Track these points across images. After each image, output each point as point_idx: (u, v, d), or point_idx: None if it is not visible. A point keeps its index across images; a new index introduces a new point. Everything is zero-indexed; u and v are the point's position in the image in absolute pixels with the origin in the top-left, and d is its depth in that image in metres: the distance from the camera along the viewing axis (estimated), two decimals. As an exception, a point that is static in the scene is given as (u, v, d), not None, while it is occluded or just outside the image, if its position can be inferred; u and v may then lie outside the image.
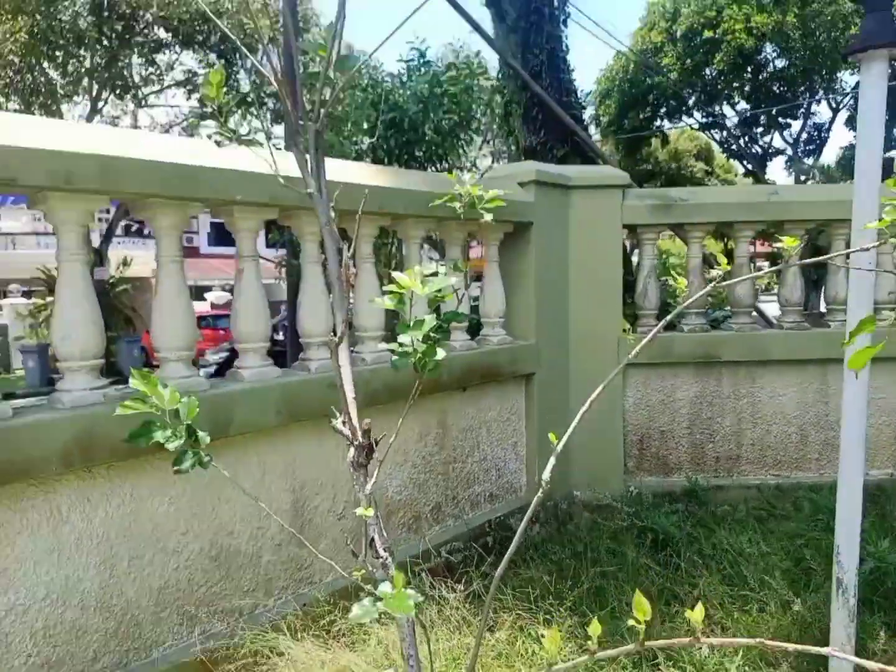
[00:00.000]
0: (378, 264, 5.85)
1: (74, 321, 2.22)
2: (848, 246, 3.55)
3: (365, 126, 5.44)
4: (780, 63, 20.21)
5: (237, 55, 15.41)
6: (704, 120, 22.73)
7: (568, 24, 7.18)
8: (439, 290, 1.57)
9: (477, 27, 7.11)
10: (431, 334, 1.61)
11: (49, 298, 18.40)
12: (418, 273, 1.53)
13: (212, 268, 26.47)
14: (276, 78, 1.57)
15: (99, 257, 17.79)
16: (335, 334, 1.59)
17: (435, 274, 1.77)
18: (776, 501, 3.79)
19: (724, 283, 1.42)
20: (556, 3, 6.88)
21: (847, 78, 21.04)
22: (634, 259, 5.99)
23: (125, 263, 19.43)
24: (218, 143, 1.56)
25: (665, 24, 20.69)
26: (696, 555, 3.10)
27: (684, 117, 23.23)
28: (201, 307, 24.26)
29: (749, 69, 20.03)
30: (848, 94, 21.17)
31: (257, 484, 2.68)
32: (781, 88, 20.55)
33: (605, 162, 7.12)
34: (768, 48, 19.88)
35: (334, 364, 1.61)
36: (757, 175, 21.95)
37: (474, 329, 4.21)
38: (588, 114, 24.48)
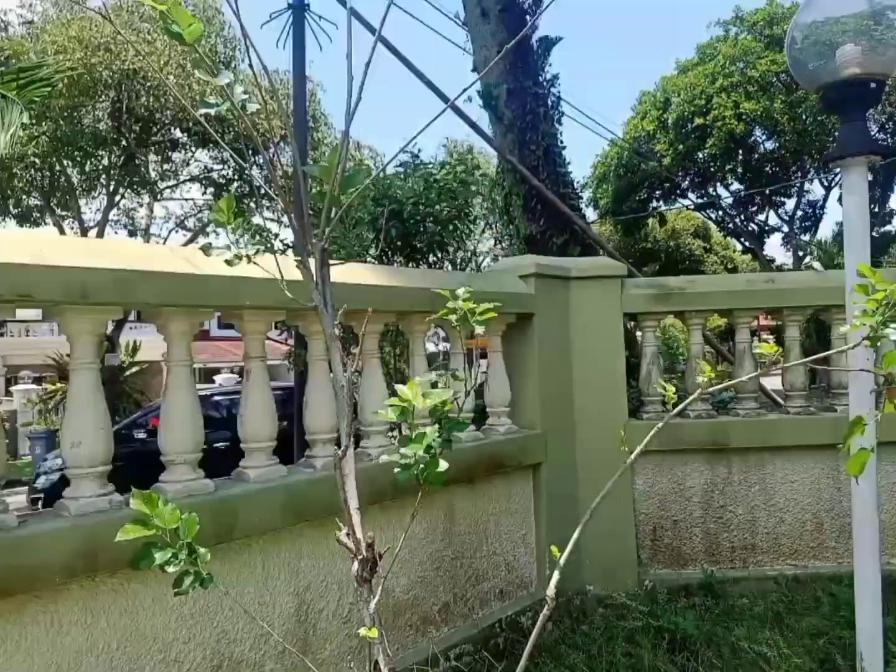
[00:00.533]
0: (384, 347, 5.94)
1: (84, 429, 2.26)
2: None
3: (367, 218, 5.67)
4: (770, 145, 21.05)
5: (250, 150, 16.18)
6: (699, 200, 23.43)
7: (562, 122, 7.55)
8: (442, 402, 1.62)
9: (475, 127, 7.51)
10: (433, 444, 1.65)
11: (59, 384, 18.57)
12: (419, 385, 1.58)
13: (221, 350, 26.79)
14: (284, 203, 1.67)
15: (111, 344, 18.08)
16: (338, 443, 1.62)
17: (435, 384, 1.82)
18: (795, 594, 3.67)
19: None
20: (550, 104, 7.27)
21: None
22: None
23: (134, 349, 19.70)
24: (229, 263, 1.64)
25: (656, 113, 21.71)
26: (715, 657, 2.97)
27: (679, 198, 23.96)
28: (210, 389, 24.35)
29: (740, 152, 20.83)
30: (839, 172, 21.84)
31: (261, 588, 2.63)
32: (774, 169, 21.29)
33: (604, 248, 7.33)
34: (758, 132, 20.76)
35: (339, 478, 1.64)
36: (755, 252, 22.40)
37: (479, 416, 4.22)
38: (586, 196, 25.38)
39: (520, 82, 7.16)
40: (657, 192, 23.78)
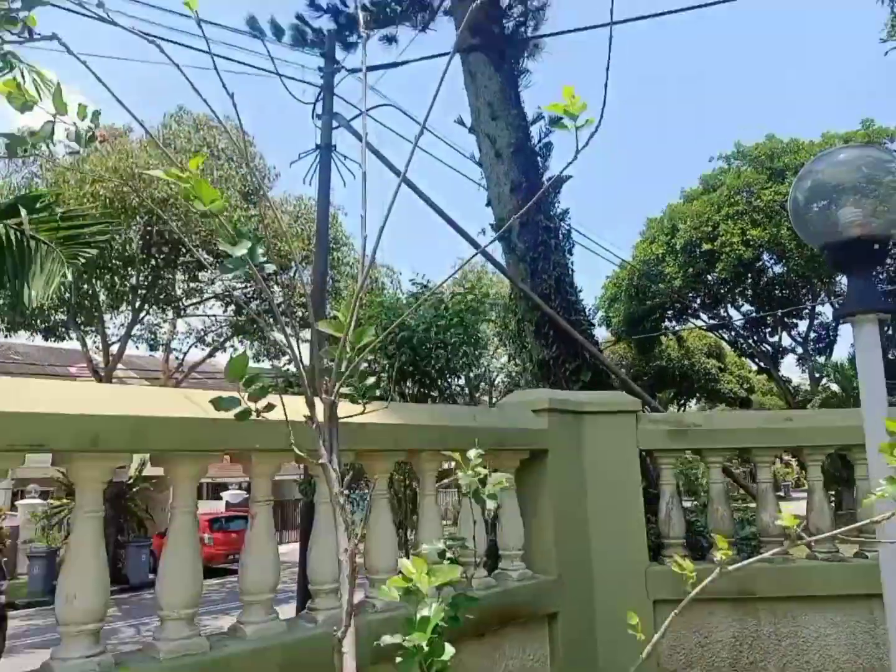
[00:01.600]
0: (391, 488, 5.83)
1: (84, 582, 2.18)
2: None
3: (378, 346, 5.80)
4: (778, 269, 21.58)
5: (273, 273, 16.82)
6: (711, 321, 23.72)
7: (573, 252, 7.84)
8: (448, 580, 1.54)
9: (489, 257, 7.81)
10: (439, 625, 1.55)
11: (65, 500, 18.26)
12: (424, 564, 1.51)
13: (230, 464, 26.45)
14: (296, 362, 1.70)
15: (120, 459, 17.94)
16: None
17: (443, 553, 1.74)
18: None
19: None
20: (560, 236, 7.59)
21: (846, 281, 22.20)
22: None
23: (143, 463, 19.51)
24: (239, 418, 1.65)
25: (665, 238, 22.52)
26: None
27: (691, 318, 24.29)
28: (216, 507, 23.82)
29: (749, 275, 21.33)
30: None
31: None
32: (784, 291, 21.68)
33: (616, 375, 7.35)
34: (766, 256, 21.35)
35: (336, 659, 1.54)
36: (770, 372, 22.32)
37: (490, 558, 4.04)
38: (598, 315, 25.85)
39: (532, 216, 7.51)
40: (669, 313, 24.17)
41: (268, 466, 2.76)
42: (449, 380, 6.18)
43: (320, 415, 1.69)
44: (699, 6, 8.12)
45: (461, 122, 8.23)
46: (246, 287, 18.19)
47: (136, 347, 22.31)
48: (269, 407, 1.71)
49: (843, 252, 2.46)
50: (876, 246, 2.40)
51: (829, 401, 17.16)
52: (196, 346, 22.70)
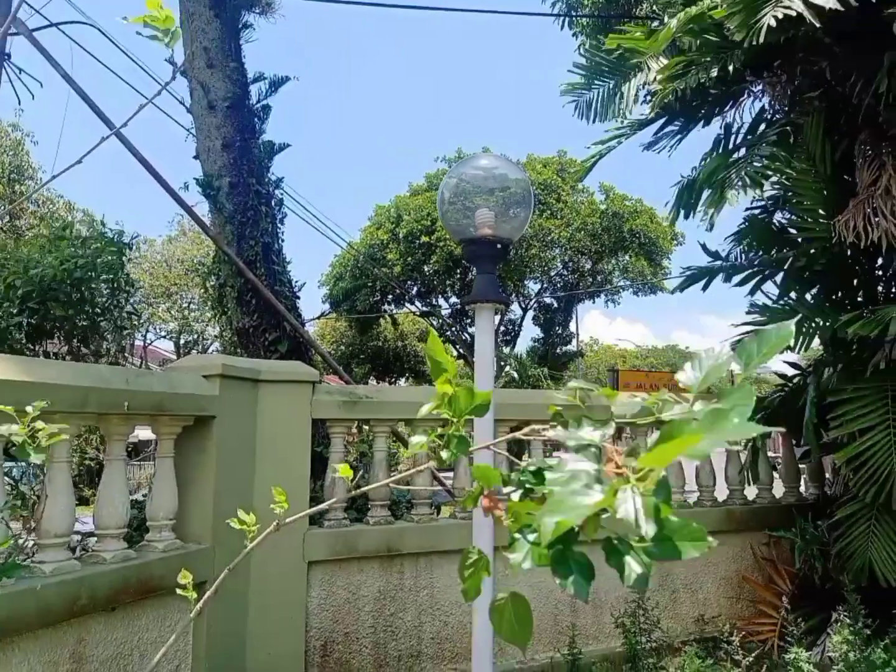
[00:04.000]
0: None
1: None
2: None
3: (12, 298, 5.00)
4: (483, 268, 24.10)
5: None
6: (424, 308, 25.56)
7: (284, 223, 7.70)
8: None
9: (191, 213, 7.29)
10: None
11: None
12: None
13: None
14: None
15: None
16: None
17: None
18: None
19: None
20: (273, 204, 7.40)
21: (532, 286, 25.80)
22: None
23: None
24: None
25: (390, 226, 23.56)
26: None
27: (408, 304, 25.88)
28: None
29: (458, 271, 23.43)
30: (533, 298, 25.81)
31: None
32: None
33: (315, 348, 7.45)
34: (474, 255, 23.67)
35: None
36: (466, 358, 24.89)
37: (139, 531, 3.80)
38: (323, 292, 26.05)
39: (243, 178, 7.19)
40: (389, 297, 25.40)
41: None
42: (107, 337, 5.60)
43: None
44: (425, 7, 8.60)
45: (172, 63, 7.48)
46: None
47: None
48: None
49: (475, 248, 2.81)
50: (499, 246, 2.80)
51: (509, 385, 19.88)
52: None
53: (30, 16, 7.81)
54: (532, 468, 1.02)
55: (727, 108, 6.02)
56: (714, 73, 4.92)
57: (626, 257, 23.72)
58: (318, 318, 24.65)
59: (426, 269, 23.37)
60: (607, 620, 4.64)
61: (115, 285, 5.74)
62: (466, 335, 25.58)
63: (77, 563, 3.06)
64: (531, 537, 0.91)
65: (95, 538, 3.47)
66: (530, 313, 25.94)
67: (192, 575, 3.56)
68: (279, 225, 7.66)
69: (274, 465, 4.11)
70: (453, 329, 25.60)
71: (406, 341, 28.98)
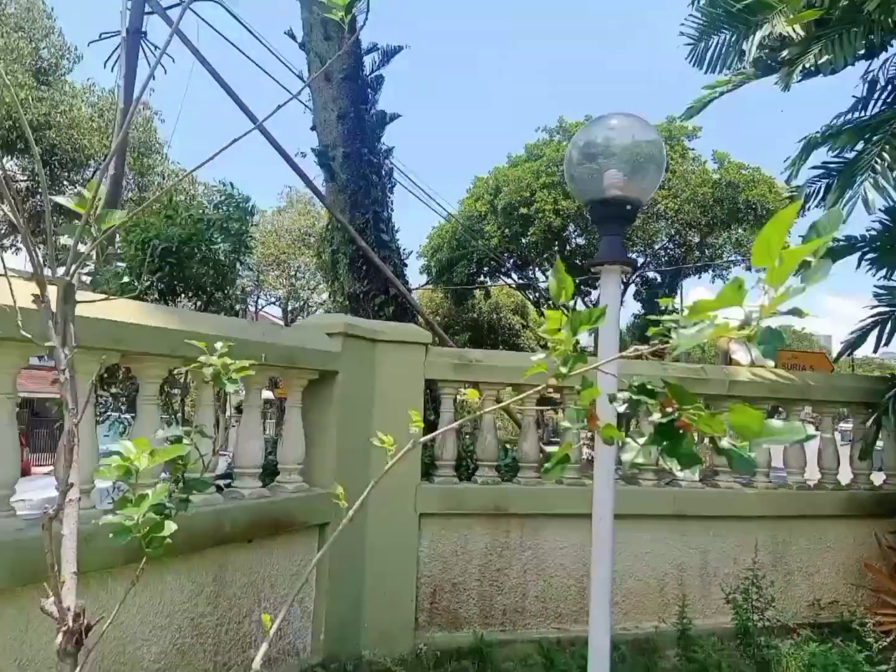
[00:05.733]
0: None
1: None
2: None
3: (139, 258, 5.44)
4: (581, 241, 23.55)
5: (62, 167, 14.82)
6: (520, 281, 25.40)
7: (394, 192, 7.89)
8: (180, 458, 1.55)
9: (308, 182, 7.61)
10: (167, 504, 1.54)
11: None
12: (146, 444, 1.48)
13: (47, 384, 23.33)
14: (22, 231, 1.57)
15: None
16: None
17: (180, 440, 1.74)
18: (555, 657, 3.91)
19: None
20: (383, 173, 7.59)
21: (635, 258, 24.99)
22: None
23: None
24: None
25: (489, 198, 23.45)
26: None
27: (503, 276, 25.80)
28: None
29: (556, 243, 23.04)
30: (637, 271, 25.02)
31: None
32: (583, 261, 23.78)
33: (421, 314, 7.65)
34: (571, 227, 23.18)
35: (48, 537, 1.49)
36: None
37: (270, 473, 4.10)
38: (421, 263, 26.44)
39: (356, 148, 7.40)
40: (485, 269, 25.41)
41: (8, 356, 2.52)
42: (229, 294, 6.00)
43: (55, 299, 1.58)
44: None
45: (291, 36, 7.78)
46: (29, 181, 15.84)
47: None
48: None
49: (603, 209, 2.79)
50: (628, 207, 2.77)
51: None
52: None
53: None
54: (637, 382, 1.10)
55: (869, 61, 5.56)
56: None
57: (740, 230, 22.43)
58: (416, 289, 25.05)
59: (523, 241, 23.14)
60: (716, 595, 4.57)
61: (239, 246, 6.13)
62: (564, 309, 25.21)
63: (220, 496, 3.37)
64: (640, 440, 1.05)
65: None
66: (632, 288, 25.18)
67: (316, 515, 3.83)
68: (389, 194, 7.85)
69: (389, 419, 4.29)
70: (550, 302, 25.32)
71: (501, 314, 28.94)
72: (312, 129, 7.78)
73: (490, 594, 4.36)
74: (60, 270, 1.49)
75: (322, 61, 7.50)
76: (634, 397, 1.03)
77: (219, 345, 1.63)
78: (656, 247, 23.82)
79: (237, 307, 7.09)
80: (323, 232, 8.23)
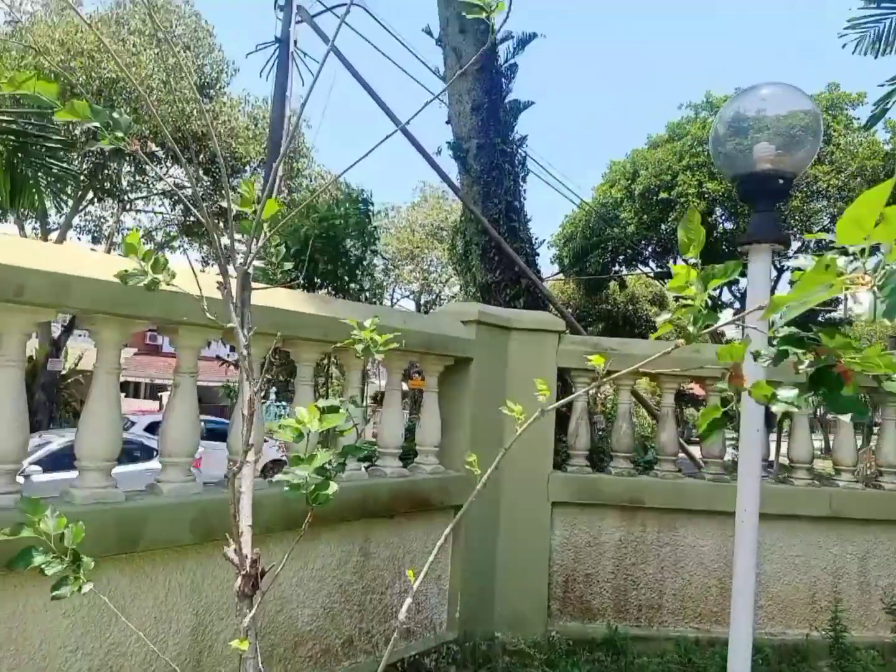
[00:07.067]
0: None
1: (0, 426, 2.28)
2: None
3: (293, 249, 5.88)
4: (729, 226, 22.03)
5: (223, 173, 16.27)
6: (659, 270, 24.28)
7: (526, 181, 7.88)
8: (337, 427, 1.71)
9: (444, 176, 7.79)
10: (327, 467, 1.72)
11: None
12: (316, 411, 1.65)
13: (171, 366, 26.20)
14: (209, 227, 1.78)
15: (55, 348, 17.56)
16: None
17: (335, 409, 1.91)
18: (693, 657, 3.77)
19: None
20: (516, 162, 7.60)
21: (791, 243, 23.01)
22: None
23: (80, 358, 19.18)
24: (148, 288, 1.71)
25: (625, 183, 22.61)
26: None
27: (640, 266, 24.81)
28: (153, 406, 23.79)
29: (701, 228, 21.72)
30: (791, 256, 23.03)
31: (160, 603, 2.62)
32: (729, 248, 22.25)
33: (553, 303, 7.58)
34: (718, 211, 21.75)
35: (231, 492, 1.70)
36: (707, 324, 23.23)
37: (409, 455, 4.30)
38: (552, 253, 26.11)
39: (490, 139, 7.48)
40: (620, 258, 24.58)
41: (193, 340, 2.86)
42: (361, 283, 6.35)
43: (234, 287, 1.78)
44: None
45: (429, 33, 7.99)
46: (198, 187, 17.54)
47: (79, 239, 21.45)
48: (172, 275, 1.76)
49: (752, 184, 2.64)
50: (780, 181, 2.59)
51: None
52: (146, 243, 21.94)
53: (311, 3, 8.86)
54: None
55: None
56: None
57: (916, 208, 19.88)
58: (547, 279, 24.79)
59: (663, 227, 22.06)
60: (876, 607, 4.17)
61: (366, 239, 6.47)
62: (707, 299, 23.79)
63: (365, 473, 3.60)
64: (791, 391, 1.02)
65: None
66: (786, 276, 23.22)
67: (452, 497, 3.96)
68: (521, 183, 7.85)
69: (523, 407, 4.34)
70: (691, 291, 23.99)
71: (637, 304, 27.87)
72: (447, 122, 7.95)
73: (625, 588, 4.28)
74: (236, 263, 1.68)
75: (458, 55, 7.65)
76: (781, 348, 0.99)
77: (367, 322, 1.77)
78: (815, 229, 21.75)
79: (373, 299, 7.49)
80: (456, 224, 8.41)
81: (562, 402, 1.68)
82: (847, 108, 20.41)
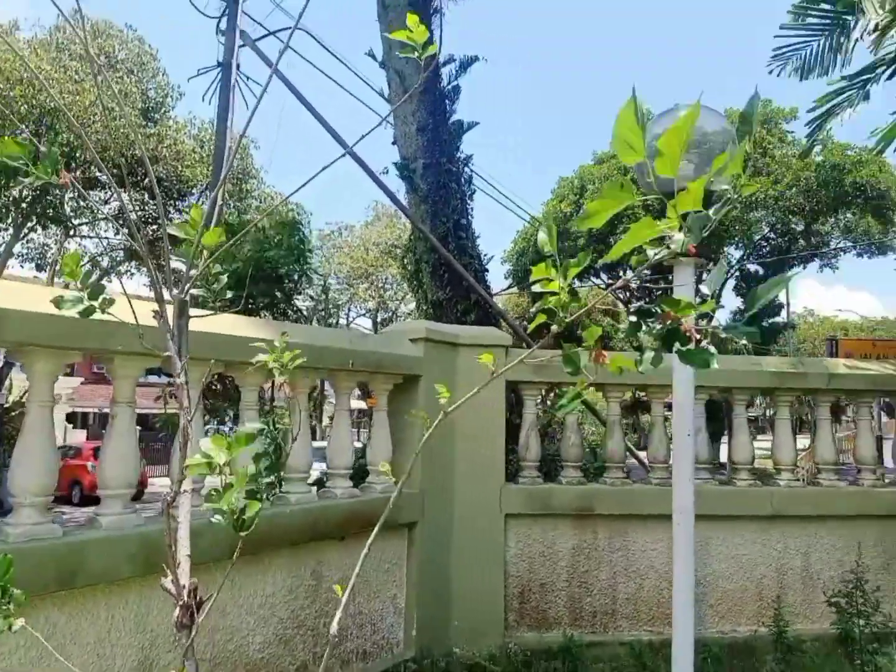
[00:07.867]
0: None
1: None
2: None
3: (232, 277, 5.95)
4: (674, 236, 22.76)
5: (168, 197, 16.03)
6: (610, 281, 24.87)
7: (473, 199, 8.02)
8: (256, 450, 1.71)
9: (391, 196, 7.86)
10: (256, 488, 1.70)
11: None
12: (222, 440, 1.60)
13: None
14: (143, 255, 1.78)
15: (-2, 383, 16.91)
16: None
17: (262, 432, 1.91)
18: (646, 660, 3.85)
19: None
20: (462, 181, 7.74)
21: (733, 252, 23.90)
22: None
23: (25, 391, 18.48)
24: (82, 315, 1.69)
25: (573, 198, 23.16)
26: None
27: (592, 278, 25.37)
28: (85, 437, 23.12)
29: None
30: (734, 266, 23.89)
31: (103, 639, 2.56)
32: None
33: (504, 318, 7.71)
34: (663, 225, 22.44)
35: (165, 522, 1.68)
36: (659, 333, 23.84)
37: (360, 475, 4.30)
38: (507, 269, 26.48)
39: (436, 158, 7.60)
40: (572, 270, 25.07)
41: (130, 369, 2.82)
42: (295, 305, 6.42)
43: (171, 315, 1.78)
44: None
45: (372, 56, 8.09)
46: (141, 210, 17.25)
47: (21, 267, 20.82)
48: (109, 302, 1.76)
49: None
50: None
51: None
52: (92, 269, 21.39)
53: (253, 28, 8.88)
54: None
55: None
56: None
57: (849, 215, 20.91)
58: (498, 293, 25.09)
59: (612, 240, 22.64)
60: (819, 600, 4.33)
61: (302, 265, 6.52)
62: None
63: (315, 495, 3.59)
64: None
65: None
66: (730, 283, 24.04)
67: (405, 514, 3.97)
68: (468, 201, 7.98)
69: (472, 422, 4.39)
70: (645, 301, 24.62)
71: (590, 316, 28.44)
72: (393, 143, 8.05)
73: (579, 595, 4.34)
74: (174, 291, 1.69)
75: (401, 77, 7.77)
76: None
77: (276, 342, 1.78)
78: (756, 238, 22.63)
79: (328, 319, 7.49)
80: (407, 242, 8.49)
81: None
82: (781, 123, 21.37)
